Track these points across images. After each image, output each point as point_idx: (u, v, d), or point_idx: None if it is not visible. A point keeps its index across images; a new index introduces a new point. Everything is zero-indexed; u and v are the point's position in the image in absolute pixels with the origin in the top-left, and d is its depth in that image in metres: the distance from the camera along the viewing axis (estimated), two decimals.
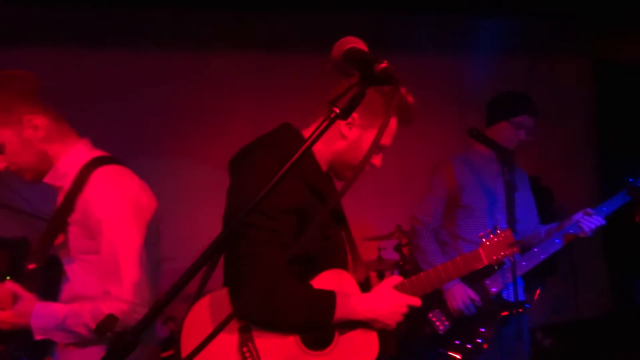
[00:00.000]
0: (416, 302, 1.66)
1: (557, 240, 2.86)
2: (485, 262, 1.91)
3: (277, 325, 1.56)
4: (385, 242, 3.80)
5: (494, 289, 2.78)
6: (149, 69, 3.75)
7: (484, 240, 1.96)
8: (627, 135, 3.99)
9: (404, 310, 1.66)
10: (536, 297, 3.80)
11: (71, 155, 1.77)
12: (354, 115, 1.58)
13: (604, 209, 2.89)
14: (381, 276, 3.78)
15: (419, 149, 3.77)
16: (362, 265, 1.77)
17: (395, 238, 3.77)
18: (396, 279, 1.72)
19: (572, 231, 2.83)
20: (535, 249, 2.87)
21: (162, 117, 3.77)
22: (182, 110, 3.84)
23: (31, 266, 1.72)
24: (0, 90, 1.66)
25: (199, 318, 1.54)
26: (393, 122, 1.65)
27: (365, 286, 1.73)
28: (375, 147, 1.08)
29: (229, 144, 1.74)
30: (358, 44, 1.12)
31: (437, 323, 2.81)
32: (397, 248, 3.79)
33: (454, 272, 1.80)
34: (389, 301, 1.66)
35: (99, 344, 1.69)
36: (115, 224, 1.68)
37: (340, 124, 1.63)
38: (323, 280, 1.65)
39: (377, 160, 1.69)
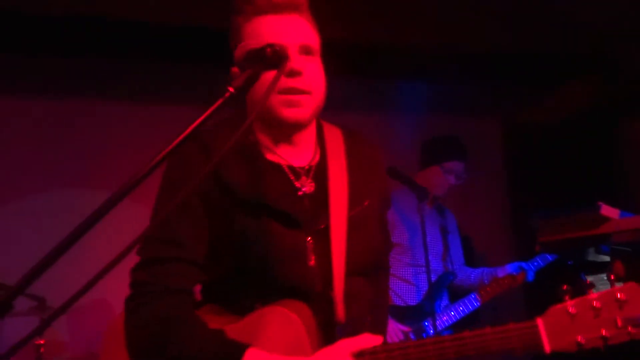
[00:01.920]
0: None
1: (477, 297, 3.03)
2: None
3: None
4: None
5: (431, 331, 2.91)
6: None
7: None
8: (534, 187, 4.40)
9: None
10: None
11: None
12: (233, 70, 1.38)
13: (535, 264, 3.08)
14: None
15: None
16: (349, 295, 1.30)
17: None
18: (366, 340, 1.17)
19: (511, 271, 2.99)
20: (460, 307, 3.02)
21: None
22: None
23: None
24: None
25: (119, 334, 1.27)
26: (257, 22, 1.34)
27: (330, 332, 1.25)
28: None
29: None
30: (256, 45, 1.20)
31: None
32: None
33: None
34: None
35: None
36: None
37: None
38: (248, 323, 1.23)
39: (290, 63, 1.26)
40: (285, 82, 1.28)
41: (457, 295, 3.23)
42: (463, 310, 3.03)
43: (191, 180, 1.21)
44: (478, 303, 3.02)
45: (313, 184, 1.38)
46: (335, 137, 1.47)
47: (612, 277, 1.22)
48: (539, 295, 3.89)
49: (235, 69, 1.37)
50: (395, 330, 2.91)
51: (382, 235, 1.49)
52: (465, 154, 3.10)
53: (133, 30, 3.30)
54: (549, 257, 3.09)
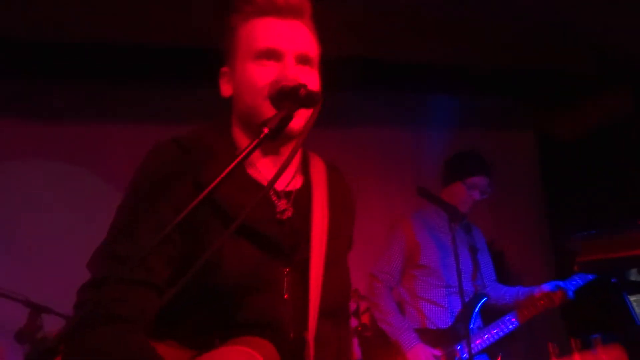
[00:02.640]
0: None
1: (513, 320, 2.91)
2: None
3: None
4: None
5: (465, 355, 2.81)
6: None
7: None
8: (572, 202, 4.24)
9: None
10: None
11: None
12: (224, 69, 1.32)
13: (574, 282, 2.96)
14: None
15: (379, 213, 3.88)
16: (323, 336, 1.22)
17: (354, 302, 3.76)
18: None
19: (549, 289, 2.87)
20: (494, 330, 2.91)
21: None
22: None
23: None
24: None
25: None
26: (256, 23, 1.27)
27: None
28: (251, 60, 1.16)
29: None
30: (290, 82, 1.18)
31: None
32: (356, 314, 3.75)
33: None
34: None
35: None
36: None
37: (221, 82, 1.33)
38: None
39: (285, 70, 1.22)
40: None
41: (491, 313, 3.12)
42: (498, 333, 2.92)
43: (167, 187, 1.13)
44: (514, 325, 2.90)
45: (291, 210, 1.28)
46: (319, 168, 1.38)
47: None
48: (578, 316, 3.77)
49: (225, 69, 1.32)
50: (427, 354, 2.81)
51: (349, 278, 1.39)
52: (488, 168, 3.03)
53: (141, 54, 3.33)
54: (589, 276, 2.96)
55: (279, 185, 1.29)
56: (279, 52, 1.23)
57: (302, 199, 1.30)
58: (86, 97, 3.73)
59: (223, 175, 1.00)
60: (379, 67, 3.66)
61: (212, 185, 0.99)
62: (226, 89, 1.32)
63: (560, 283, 2.95)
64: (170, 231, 1.02)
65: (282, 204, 1.27)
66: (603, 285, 2.95)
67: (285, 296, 1.20)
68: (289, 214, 1.27)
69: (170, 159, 1.20)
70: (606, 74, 3.97)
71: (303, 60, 1.26)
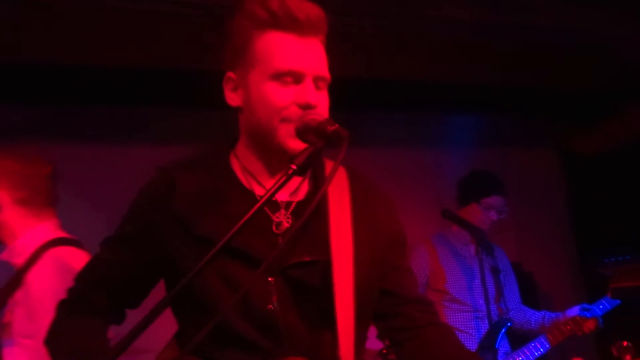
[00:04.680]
0: None
1: (542, 344, 2.80)
2: None
3: None
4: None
5: None
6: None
7: None
8: (601, 221, 4.11)
9: None
10: None
11: (31, 234, 1.83)
12: (230, 75, 1.27)
13: (601, 306, 2.85)
14: None
15: None
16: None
17: None
18: None
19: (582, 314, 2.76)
20: (521, 357, 2.80)
21: None
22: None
23: None
24: None
25: None
26: (275, 38, 1.21)
27: None
28: (269, 78, 1.15)
29: None
30: (315, 116, 1.17)
31: None
32: (380, 336, 3.67)
33: None
34: None
35: None
36: (52, 309, 1.51)
37: (225, 88, 1.28)
38: None
39: (305, 94, 1.19)
40: (297, 114, 1.18)
41: (519, 337, 3.01)
42: (525, 359, 2.80)
43: (152, 214, 1.23)
44: (540, 352, 2.79)
45: (289, 221, 1.23)
46: (338, 177, 1.31)
47: None
48: (610, 338, 3.62)
49: (231, 74, 1.26)
50: None
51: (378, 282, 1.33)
52: (503, 186, 2.97)
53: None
54: (617, 301, 2.84)
55: (280, 196, 1.25)
56: (300, 74, 1.20)
57: (305, 209, 1.16)
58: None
59: (243, 221, 1.04)
60: (398, 87, 3.62)
61: (231, 233, 1.04)
62: (233, 98, 1.27)
63: (587, 306, 2.84)
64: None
65: (279, 215, 1.24)
66: (638, 310, 2.83)
67: (269, 307, 1.18)
68: (286, 225, 1.23)
69: (152, 191, 1.28)
70: (629, 89, 3.88)
71: (321, 82, 1.23)
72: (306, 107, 1.17)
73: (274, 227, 1.23)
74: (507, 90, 3.79)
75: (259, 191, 1.24)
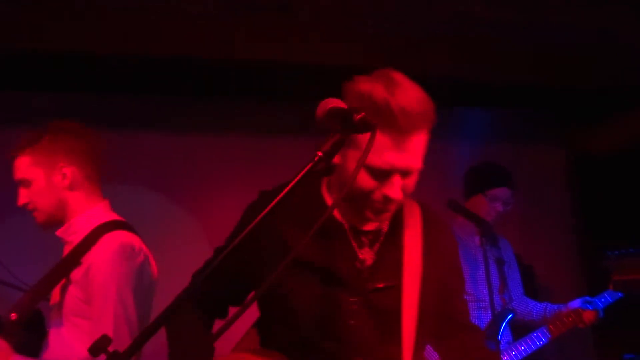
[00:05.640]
0: None
1: (543, 335, 2.87)
2: None
3: None
4: None
5: None
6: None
7: None
8: (607, 219, 4.16)
9: None
10: None
11: (88, 214, 1.82)
12: None
13: (603, 299, 2.90)
14: None
15: None
16: None
17: None
18: None
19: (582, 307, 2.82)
20: (522, 346, 2.88)
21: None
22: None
23: (13, 316, 1.66)
24: (52, 136, 1.79)
25: None
26: (380, 139, 1.28)
27: None
28: (360, 167, 1.19)
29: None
30: (339, 103, 1.23)
31: None
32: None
33: None
34: None
35: None
36: (112, 293, 1.63)
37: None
38: None
39: (390, 189, 1.31)
40: (380, 200, 1.32)
41: (522, 327, 3.08)
42: (525, 350, 2.87)
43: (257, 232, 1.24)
44: (542, 342, 2.86)
45: (372, 256, 1.42)
46: (412, 210, 1.48)
47: None
48: (610, 335, 3.67)
49: None
50: None
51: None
52: (509, 178, 2.99)
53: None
54: (619, 294, 2.90)
55: (367, 226, 1.43)
56: (389, 172, 1.31)
57: (388, 242, 1.43)
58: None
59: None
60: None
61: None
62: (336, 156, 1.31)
63: (589, 299, 2.90)
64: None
65: (364, 252, 1.42)
66: (636, 304, 2.88)
67: (351, 322, 1.35)
68: (370, 261, 1.41)
69: (253, 211, 1.40)
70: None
71: (409, 173, 1.34)
72: (386, 200, 1.31)
73: (357, 263, 1.39)
74: (520, 86, 3.81)
75: (339, 216, 1.42)
